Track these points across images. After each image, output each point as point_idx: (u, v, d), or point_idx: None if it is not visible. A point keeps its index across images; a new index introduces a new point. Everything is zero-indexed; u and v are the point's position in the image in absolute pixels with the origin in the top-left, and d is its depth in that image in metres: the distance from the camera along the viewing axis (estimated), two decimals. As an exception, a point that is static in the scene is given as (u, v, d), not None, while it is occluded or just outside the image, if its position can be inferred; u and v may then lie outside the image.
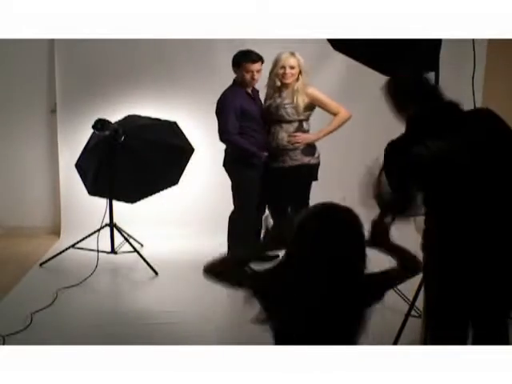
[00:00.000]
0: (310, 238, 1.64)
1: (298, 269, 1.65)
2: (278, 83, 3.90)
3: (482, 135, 2.10)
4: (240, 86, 3.90)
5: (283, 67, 3.83)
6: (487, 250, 2.09)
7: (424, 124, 2.17)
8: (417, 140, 2.11)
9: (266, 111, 3.94)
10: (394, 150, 2.19)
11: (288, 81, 3.85)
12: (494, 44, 4.38)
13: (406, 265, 1.81)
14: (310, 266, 1.63)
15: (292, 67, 3.82)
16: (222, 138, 3.90)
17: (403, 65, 2.47)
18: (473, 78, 2.81)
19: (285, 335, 1.68)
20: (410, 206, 2.22)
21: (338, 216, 1.67)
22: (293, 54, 3.85)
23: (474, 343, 2.21)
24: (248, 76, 3.84)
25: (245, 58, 3.83)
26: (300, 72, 3.85)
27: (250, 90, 3.94)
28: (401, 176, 2.18)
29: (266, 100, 4.00)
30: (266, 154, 3.92)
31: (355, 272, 1.68)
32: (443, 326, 2.23)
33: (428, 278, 2.31)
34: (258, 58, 3.83)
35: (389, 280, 1.80)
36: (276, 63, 3.86)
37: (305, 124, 3.93)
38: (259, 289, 1.71)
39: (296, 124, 3.89)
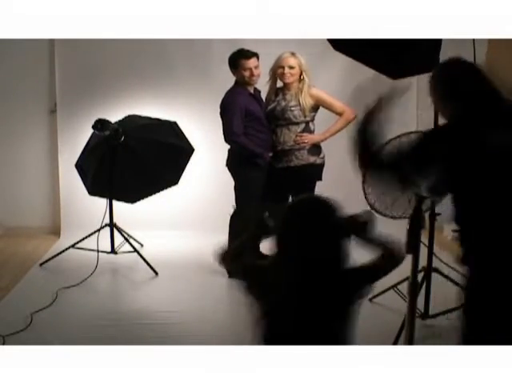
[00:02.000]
0: (291, 235, 1.68)
1: (283, 264, 1.69)
2: (279, 84, 3.92)
3: None
4: (242, 87, 3.89)
5: (282, 67, 3.83)
6: None
7: (477, 119, 1.96)
8: (470, 132, 1.91)
9: (270, 114, 3.93)
10: (436, 139, 1.99)
11: (287, 81, 3.85)
12: (494, 44, 4.37)
13: (389, 254, 1.78)
14: (293, 261, 1.67)
15: (291, 67, 3.82)
16: (228, 139, 3.89)
17: (403, 65, 2.47)
18: (473, 78, 2.80)
19: (273, 329, 1.70)
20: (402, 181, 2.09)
21: (318, 210, 1.72)
22: (293, 54, 3.85)
23: None
24: (247, 73, 3.83)
25: (239, 56, 3.83)
26: (301, 73, 3.85)
27: (252, 90, 3.94)
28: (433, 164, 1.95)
29: (267, 101, 4.00)
30: (270, 154, 3.92)
31: (338, 265, 1.69)
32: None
33: (473, 296, 2.00)
34: (253, 54, 3.84)
35: (374, 271, 1.78)
36: (275, 63, 3.87)
37: (311, 125, 3.93)
38: (252, 282, 1.76)
39: (303, 125, 3.89)
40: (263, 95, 4.05)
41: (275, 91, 3.97)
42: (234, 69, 3.88)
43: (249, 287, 1.76)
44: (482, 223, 1.93)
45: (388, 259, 1.78)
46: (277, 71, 3.86)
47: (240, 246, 1.88)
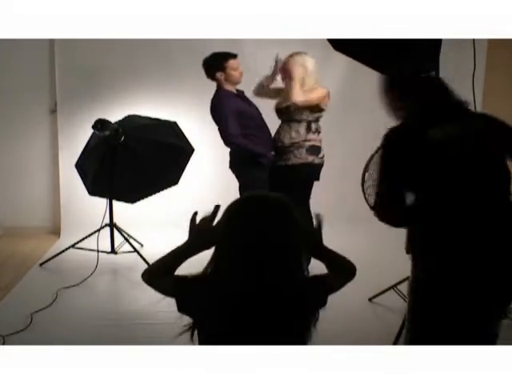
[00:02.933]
0: (237, 233, 1.47)
1: (226, 270, 1.48)
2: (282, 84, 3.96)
3: (484, 129, 2.02)
4: (226, 90, 3.90)
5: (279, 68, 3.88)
6: (482, 255, 1.95)
7: (428, 116, 2.06)
8: (420, 129, 1.99)
9: (278, 110, 3.94)
10: (397, 136, 2.04)
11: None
12: (494, 44, 4.38)
13: (339, 270, 1.62)
14: (239, 264, 1.45)
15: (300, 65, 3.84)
16: (227, 142, 3.89)
17: (404, 65, 2.46)
18: (473, 78, 2.81)
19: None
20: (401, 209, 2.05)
21: (267, 208, 1.49)
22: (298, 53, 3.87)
23: None
24: (237, 73, 3.87)
25: (226, 58, 3.87)
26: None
27: (235, 91, 3.95)
28: (404, 165, 1.99)
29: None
30: (272, 153, 3.91)
31: (291, 269, 1.48)
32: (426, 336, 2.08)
33: (417, 284, 2.14)
34: (235, 54, 3.89)
35: (329, 284, 1.58)
36: (277, 63, 3.92)
37: (313, 125, 3.90)
38: (184, 299, 1.56)
39: (304, 124, 3.87)
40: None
41: (277, 89, 4.00)
42: (221, 71, 3.87)
43: (181, 307, 1.56)
44: (431, 215, 2.00)
45: (341, 273, 1.63)
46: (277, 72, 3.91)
47: (171, 258, 1.67)
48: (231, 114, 3.81)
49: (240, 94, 3.98)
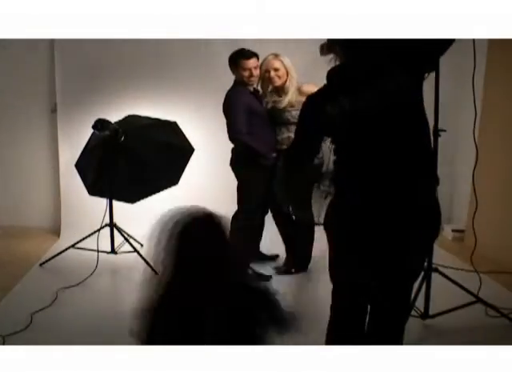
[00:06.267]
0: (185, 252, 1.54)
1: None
2: (270, 87, 3.92)
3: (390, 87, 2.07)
4: (242, 86, 3.90)
5: (268, 71, 3.83)
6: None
7: (341, 78, 2.17)
8: (332, 95, 2.10)
9: (270, 114, 3.93)
10: (310, 104, 2.22)
11: (276, 84, 3.85)
12: (494, 44, 4.37)
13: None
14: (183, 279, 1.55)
15: (276, 69, 3.81)
16: (232, 137, 3.87)
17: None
18: (473, 78, 2.81)
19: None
20: (311, 155, 2.36)
21: (197, 222, 1.59)
22: (276, 55, 3.84)
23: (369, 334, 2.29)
24: (246, 73, 3.83)
25: (239, 56, 3.84)
26: (287, 73, 3.84)
27: (252, 89, 3.94)
28: (310, 130, 2.22)
29: (264, 101, 4.00)
30: (274, 155, 3.91)
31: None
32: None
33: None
34: (253, 54, 3.84)
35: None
36: (261, 66, 3.87)
37: None
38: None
39: None
40: None
41: (270, 92, 3.97)
42: (234, 68, 3.89)
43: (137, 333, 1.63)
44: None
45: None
46: (264, 75, 3.87)
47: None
48: (241, 109, 3.80)
49: (255, 93, 3.97)
